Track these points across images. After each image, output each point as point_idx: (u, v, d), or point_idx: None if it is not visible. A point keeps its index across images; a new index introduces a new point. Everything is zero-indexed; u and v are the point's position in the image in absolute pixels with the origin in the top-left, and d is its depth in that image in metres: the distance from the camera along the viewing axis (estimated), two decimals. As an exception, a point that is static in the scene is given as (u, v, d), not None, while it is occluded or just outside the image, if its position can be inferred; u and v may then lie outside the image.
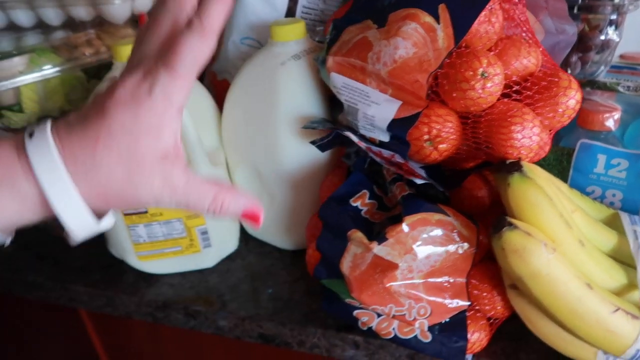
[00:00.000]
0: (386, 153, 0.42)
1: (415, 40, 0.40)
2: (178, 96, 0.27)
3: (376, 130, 0.43)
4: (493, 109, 0.40)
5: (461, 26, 0.39)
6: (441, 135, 0.40)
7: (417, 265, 0.40)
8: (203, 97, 0.58)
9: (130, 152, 0.27)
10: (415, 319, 0.41)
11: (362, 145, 0.43)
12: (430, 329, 0.41)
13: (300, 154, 0.52)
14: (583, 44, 0.53)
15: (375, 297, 0.41)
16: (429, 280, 0.41)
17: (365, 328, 0.44)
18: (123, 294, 0.57)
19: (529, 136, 0.39)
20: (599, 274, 0.38)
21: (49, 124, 0.27)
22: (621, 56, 0.63)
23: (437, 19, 0.40)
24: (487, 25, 0.40)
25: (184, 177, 0.28)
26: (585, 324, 0.35)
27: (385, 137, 0.43)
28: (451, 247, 0.40)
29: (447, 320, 0.41)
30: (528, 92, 0.41)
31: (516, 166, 0.37)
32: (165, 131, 0.27)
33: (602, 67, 0.58)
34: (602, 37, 0.52)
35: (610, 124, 0.48)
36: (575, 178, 0.49)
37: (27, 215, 0.27)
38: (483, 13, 0.40)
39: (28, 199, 0.26)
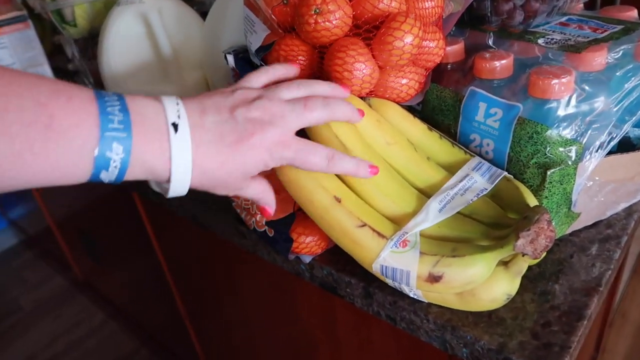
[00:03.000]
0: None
1: (277, -22, 0.46)
2: (276, 165, 0.38)
3: (253, 56, 0.51)
4: (335, 43, 0.45)
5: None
6: (288, 61, 0.47)
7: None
8: (194, 19, 0.71)
9: (234, 176, 0.36)
10: (256, 213, 0.50)
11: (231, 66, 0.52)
12: (271, 224, 0.50)
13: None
14: (504, -9, 0.51)
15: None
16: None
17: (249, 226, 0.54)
18: None
19: (349, 70, 0.43)
20: (379, 198, 0.42)
21: (187, 122, 0.34)
22: (602, 10, 0.57)
23: (295, -40, 0.45)
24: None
25: (249, 182, 0.39)
26: (334, 233, 0.41)
27: (257, 62, 0.51)
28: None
29: (281, 219, 0.49)
30: (374, 32, 0.45)
31: None
32: (258, 171, 0.38)
33: (544, 19, 0.54)
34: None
35: (500, 72, 0.48)
36: (463, 124, 0.51)
37: (144, 178, 0.34)
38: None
39: (154, 174, 0.34)
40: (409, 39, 0.44)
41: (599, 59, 0.46)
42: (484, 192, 0.43)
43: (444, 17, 0.53)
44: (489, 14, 0.55)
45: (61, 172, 0.30)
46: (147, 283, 1.19)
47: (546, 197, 0.45)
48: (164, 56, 0.65)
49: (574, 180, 0.45)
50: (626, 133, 0.50)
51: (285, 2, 0.46)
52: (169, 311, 1.14)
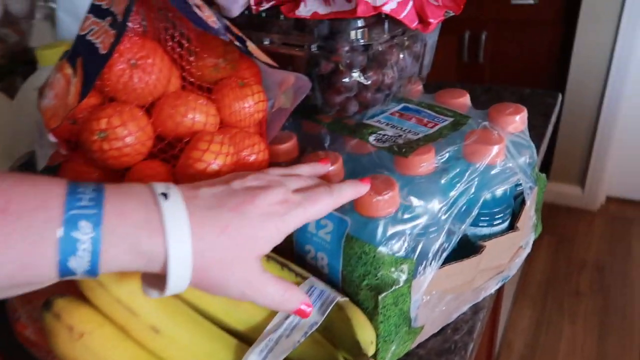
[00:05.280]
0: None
1: (57, 91, 0.39)
2: (293, 228, 0.34)
3: (41, 175, 0.43)
4: (133, 169, 0.39)
5: (87, 82, 0.37)
6: (77, 190, 0.39)
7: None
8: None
9: (241, 249, 0.31)
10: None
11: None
12: None
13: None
14: (332, 85, 0.48)
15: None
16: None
17: None
18: None
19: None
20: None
21: (179, 193, 0.30)
22: (437, 94, 0.56)
23: (75, 71, 0.38)
24: (126, 79, 0.38)
25: (265, 278, 0.33)
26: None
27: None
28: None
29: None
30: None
31: (47, 304, 0.33)
32: (271, 244, 0.33)
33: (381, 106, 0.52)
34: (347, 80, 0.47)
35: (331, 179, 0.44)
36: (298, 233, 0.46)
37: (132, 266, 0.28)
38: (120, 67, 0.37)
39: (144, 256, 0.28)
40: (219, 161, 0.38)
41: (426, 163, 0.44)
42: (314, 328, 0.38)
43: (272, 111, 0.49)
44: (320, 106, 0.51)
45: (22, 264, 0.26)
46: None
47: (382, 321, 0.41)
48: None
49: (410, 299, 0.42)
50: (464, 232, 0.49)
51: (73, 121, 0.39)
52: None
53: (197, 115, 0.40)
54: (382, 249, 0.40)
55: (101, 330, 0.33)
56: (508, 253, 0.50)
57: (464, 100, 0.54)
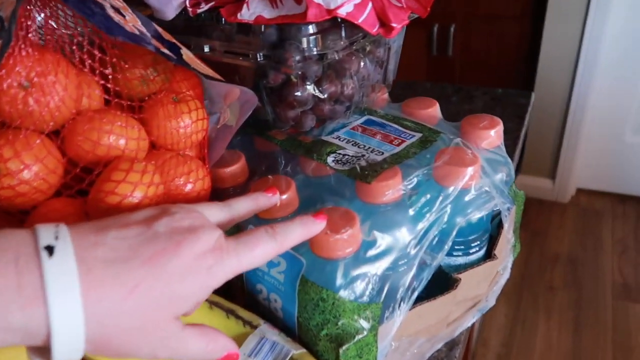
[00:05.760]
0: None
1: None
2: (222, 281, 0.28)
3: None
4: (38, 209, 0.32)
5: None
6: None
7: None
8: None
9: (155, 313, 0.25)
10: None
11: None
12: None
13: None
14: (284, 99, 0.41)
15: None
16: None
17: None
18: None
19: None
20: None
21: (71, 243, 0.24)
22: (404, 104, 0.50)
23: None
24: (20, 101, 0.30)
25: (184, 335, 0.27)
26: None
27: None
28: None
29: None
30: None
31: None
32: (195, 303, 0.27)
33: (342, 119, 0.46)
34: (299, 93, 0.40)
35: (282, 210, 0.38)
36: (248, 273, 0.40)
37: (3, 344, 0.23)
38: (10, 86, 0.30)
39: (17, 333, 0.22)
40: (139, 193, 0.32)
41: (392, 190, 0.38)
42: (264, 390, 0.32)
43: (217, 127, 0.43)
44: (272, 121, 0.45)
45: None
46: None
47: (344, 377, 0.35)
48: None
49: (376, 348, 0.36)
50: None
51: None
52: None
53: (113, 140, 0.33)
54: (342, 295, 0.34)
55: None
56: (486, 282, 0.45)
57: (433, 111, 0.49)
